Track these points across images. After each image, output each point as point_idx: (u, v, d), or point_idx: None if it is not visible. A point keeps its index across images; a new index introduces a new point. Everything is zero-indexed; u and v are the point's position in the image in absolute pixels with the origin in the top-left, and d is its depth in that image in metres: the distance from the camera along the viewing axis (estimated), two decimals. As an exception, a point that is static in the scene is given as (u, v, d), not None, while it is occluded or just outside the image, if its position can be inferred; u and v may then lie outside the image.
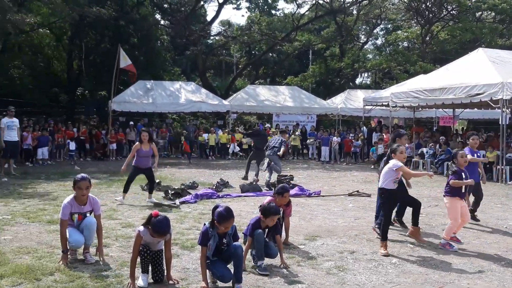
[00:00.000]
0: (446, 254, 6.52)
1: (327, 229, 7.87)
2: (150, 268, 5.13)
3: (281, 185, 6.77)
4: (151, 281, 5.11)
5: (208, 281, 5.02)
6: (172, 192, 10.92)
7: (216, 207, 5.00)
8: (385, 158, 7.64)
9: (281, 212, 6.64)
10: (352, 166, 19.86)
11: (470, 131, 22.28)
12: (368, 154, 21.43)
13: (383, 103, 20.21)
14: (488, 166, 14.87)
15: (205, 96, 25.83)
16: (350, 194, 11.52)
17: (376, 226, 7.53)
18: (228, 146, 23.33)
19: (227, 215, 4.92)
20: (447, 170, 9.39)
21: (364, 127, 25.25)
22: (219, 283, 5.07)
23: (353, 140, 21.80)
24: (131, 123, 23.45)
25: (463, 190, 6.99)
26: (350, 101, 28.11)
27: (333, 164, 20.77)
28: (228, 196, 11.11)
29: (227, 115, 28.72)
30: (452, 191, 6.95)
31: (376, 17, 38.50)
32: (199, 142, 23.43)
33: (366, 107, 21.56)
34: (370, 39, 40.57)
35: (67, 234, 5.69)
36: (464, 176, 6.96)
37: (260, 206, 7.11)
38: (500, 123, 13.88)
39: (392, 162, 6.72)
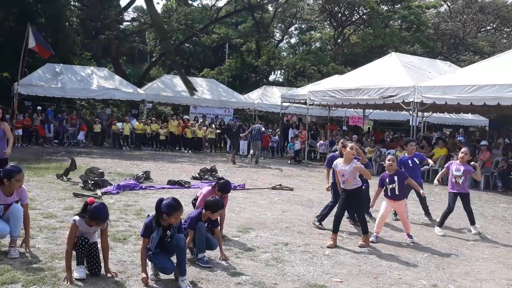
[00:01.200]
0: (374, 247, 6.83)
1: (257, 222, 7.93)
2: (85, 260, 4.85)
3: (224, 180, 6.63)
4: (87, 273, 4.84)
5: (150, 273, 4.86)
6: (92, 182, 10.41)
7: (161, 200, 4.83)
8: (332, 154, 7.92)
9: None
10: (270, 161, 20.18)
11: (385, 131, 23.59)
12: (284, 150, 21.87)
13: (300, 101, 20.71)
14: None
15: (119, 83, 24.97)
16: (273, 188, 11.69)
17: (316, 220, 7.82)
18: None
19: (177, 205, 4.77)
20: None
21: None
22: (162, 275, 4.92)
23: (271, 136, 22.14)
24: (39, 108, 22.01)
25: (389, 193, 7.28)
26: (266, 97, 28.59)
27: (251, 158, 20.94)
28: (152, 188, 10.80)
29: (142, 104, 28.03)
30: (386, 194, 7.32)
31: (292, 16, 39.36)
32: (112, 131, 22.57)
33: (284, 103, 21.98)
34: (286, 37, 41.37)
35: None
36: (387, 181, 7.26)
37: (195, 199, 7.04)
38: (411, 124, 14.78)
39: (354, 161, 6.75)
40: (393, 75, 15.94)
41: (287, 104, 22.29)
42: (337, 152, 8.12)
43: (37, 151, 18.06)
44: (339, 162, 6.88)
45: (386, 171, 7.42)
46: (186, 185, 11.37)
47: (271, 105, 27.78)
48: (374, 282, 5.30)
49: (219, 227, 5.87)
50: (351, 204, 6.90)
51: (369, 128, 30.55)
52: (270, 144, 22.17)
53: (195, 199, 7.06)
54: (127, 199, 9.26)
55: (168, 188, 11.00)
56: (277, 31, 46.86)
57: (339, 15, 37.61)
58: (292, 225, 7.86)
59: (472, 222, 8.13)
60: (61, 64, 24.47)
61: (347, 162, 6.73)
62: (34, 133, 21.38)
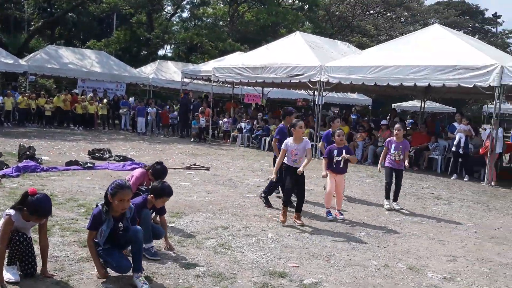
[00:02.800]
0: (310, 226, 6.74)
1: (186, 205, 7.45)
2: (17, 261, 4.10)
3: (161, 166, 5.96)
4: (20, 273, 4.09)
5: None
6: (-15, 163, 9.12)
7: (111, 183, 4.22)
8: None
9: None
10: (171, 139, 19.48)
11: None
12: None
13: (203, 77, 20.16)
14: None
15: (-4, 53, 22.40)
16: (188, 168, 11.20)
17: (262, 195, 7.90)
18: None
19: (123, 184, 4.19)
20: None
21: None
22: (111, 272, 4.32)
23: (169, 112, 21.34)
24: None
25: (334, 166, 7.40)
26: (162, 72, 27.53)
27: (151, 136, 20.06)
28: (54, 170, 9.73)
29: (22, 77, 25.53)
30: (328, 166, 7.42)
31: (185, -11, 38.22)
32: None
33: (185, 79, 21.27)
34: (178, 11, 40.03)
35: None
36: (336, 152, 7.40)
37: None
38: (316, 103, 15.02)
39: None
40: (299, 54, 16.03)
41: (188, 80, 21.59)
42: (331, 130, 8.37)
43: None
44: (290, 142, 6.76)
45: (335, 144, 7.52)
46: (86, 166, 10.41)
47: (167, 80, 26.84)
48: (328, 265, 5.18)
49: (165, 214, 5.32)
50: (298, 182, 6.77)
51: (263, 105, 30.91)
52: (170, 121, 21.41)
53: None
54: (32, 183, 8.22)
55: (73, 169, 10.00)
56: (168, 3, 45.26)
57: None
58: (224, 207, 7.51)
59: (396, 198, 8.46)
60: None
61: (297, 141, 6.71)
62: None
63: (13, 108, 20.44)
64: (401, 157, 8.27)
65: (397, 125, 8.55)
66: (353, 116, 21.37)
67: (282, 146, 6.88)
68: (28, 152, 10.38)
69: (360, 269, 5.12)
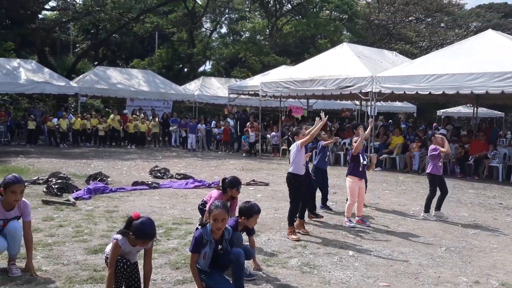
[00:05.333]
0: (387, 241, 6.68)
1: (260, 223, 7.49)
2: (123, 285, 4.23)
3: (232, 176, 6.15)
4: (127, 300, 4.23)
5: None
6: (57, 186, 9.45)
7: (203, 202, 4.33)
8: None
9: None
10: (222, 154, 19.69)
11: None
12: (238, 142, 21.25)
13: (249, 92, 20.33)
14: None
15: (49, 76, 23.28)
16: (248, 184, 11.28)
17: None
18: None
19: (218, 204, 4.31)
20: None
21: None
22: (211, 294, 4.40)
23: (231, 129, 21.40)
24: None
25: (360, 169, 7.68)
26: (206, 88, 27.92)
27: (202, 152, 20.34)
28: (122, 190, 10.01)
29: (73, 98, 26.36)
30: (352, 171, 7.68)
31: (224, 5, 38.74)
32: (46, 128, 20.94)
33: (231, 95, 21.51)
34: (217, 27, 40.66)
35: None
36: (361, 157, 7.70)
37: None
38: (369, 114, 14.91)
39: (294, 144, 6.97)
40: (348, 65, 15.98)
41: (235, 95, 21.83)
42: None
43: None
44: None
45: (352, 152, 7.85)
46: (152, 186, 10.65)
47: (211, 96, 27.18)
48: (419, 283, 5.12)
49: (254, 234, 5.40)
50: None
51: (303, 116, 30.77)
52: (217, 137, 21.57)
53: (203, 204, 6.51)
54: (105, 205, 8.47)
55: (140, 189, 10.25)
56: (206, 20, 45.98)
57: (270, 5, 37.54)
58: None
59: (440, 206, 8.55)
60: (-17, 57, 22.34)
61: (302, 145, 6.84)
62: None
63: (67, 129, 21.11)
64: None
65: (439, 134, 8.92)
66: (402, 125, 21.06)
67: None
68: (98, 177, 10.70)
69: (451, 286, 5.04)
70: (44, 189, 9.40)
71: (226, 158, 17.97)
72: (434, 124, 26.32)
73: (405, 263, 5.77)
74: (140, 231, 4.02)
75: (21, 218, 4.87)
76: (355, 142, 7.90)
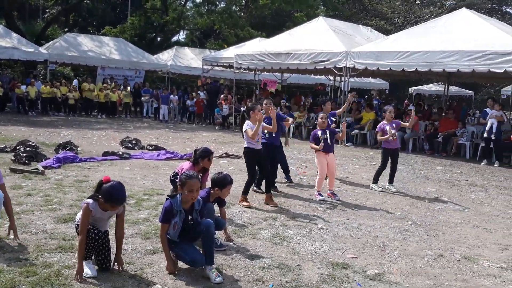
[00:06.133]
0: (356, 214, 6.81)
1: (230, 195, 7.50)
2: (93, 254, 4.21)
3: (204, 148, 6.10)
4: (96, 268, 4.20)
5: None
6: (25, 154, 9.25)
7: (176, 174, 4.32)
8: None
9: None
10: (195, 126, 19.58)
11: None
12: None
13: (224, 64, 20.15)
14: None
15: (17, 41, 22.54)
16: (220, 156, 11.28)
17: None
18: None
19: (190, 174, 4.31)
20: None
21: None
22: (181, 263, 4.42)
23: (203, 101, 21.23)
24: None
25: (323, 143, 7.73)
26: (179, 58, 27.49)
27: (175, 124, 20.18)
28: (92, 160, 9.88)
29: (42, 65, 25.67)
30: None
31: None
32: (15, 95, 20.40)
33: (205, 66, 21.27)
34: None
35: None
36: (320, 133, 7.79)
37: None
38: (343, 89, 15.00)
39: (246, 123, 7.13)
40: (323, 40, 15.95)
41: (209, 67, 21.60)
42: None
43: None
44: (250, 124, 7.05)
45: (318, 128, 7.90)
46: (123, 156, 10.54)
47: (185, 67, 26.80)
48: (385, 255, 5.25)
49: (225, 205, 5.42)
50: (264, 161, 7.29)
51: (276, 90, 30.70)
52: (190, 109, 21.40)
53: (174, 176, 6.46)
54: (75, 174, 8.37)
55: (111, 159, 10.13)
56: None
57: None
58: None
59: (392, 180, 8.81)
60: None
61: (254, 122, 6.95)
62: None
63: (36, 97, 20.60)
64: (396, 135, 8.63)
65: (389, 107, 8.97)
66: (374, 101, 21.27)
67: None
68: (67, 146, 10.52)
69: (416, 259, 5.18)
70: (12, 157, 9.22)
71: (199, 130, 17.89)
72: (405, 101, 26.72)
73: (373, 236, 5.90)
74: (110, 194, 3.99)
75: None
76: (321, 118, 7.91)
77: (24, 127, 15.02)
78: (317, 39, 16.19)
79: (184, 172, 4.40)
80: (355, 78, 28.91)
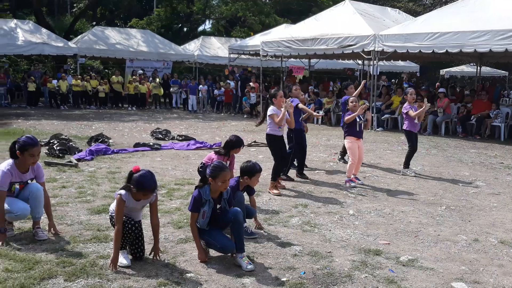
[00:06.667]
0: (387, 200, 6.73)
1: (260, 183, 7.48)
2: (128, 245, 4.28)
3: (234, 136, 6.14)
4: (131, 258, 4.28)
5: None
6: (58, 148, 9.46)
7: (204, 165, 4.35)
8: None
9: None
10: (223, 116, 19.64)
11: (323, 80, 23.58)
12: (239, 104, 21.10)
13: (250, 52, 20.10)
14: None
15: (47, 37, 22.99)
16: (249, 145, 11.30)
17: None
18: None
19: (222, 165, 4.31)
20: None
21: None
22: (212, 252, 4.47)
23: (233, 90, 21.21)
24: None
25: (358, 129, 7.67)
26: (206, 48, 27.56)
27: (203, 114, 20.30)
28: (124, 151, 10.04)
29: (71, 59, 26.10)
30: (350, 132, 7.69)
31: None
32: (46, 89, 20.85)
33: (232, 55, 21.26)
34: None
35: (7, 205, 4.51)
36: (357, 118, 7.62)
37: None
38: (372, 73, 14.78)
39: (270, 108, 7.06)
40: (351, 23, 15.72)
41: (235, 55, 21.59)
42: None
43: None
44: (275, 109, 7.01)
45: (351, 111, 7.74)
46: (154, 147, 10.66)
47: (212, 56, 26.86)
48: (418, 241, 5.17)
49: (255, 193, 5.43)
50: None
51: (304, 76, 30.46)
52: (218, 98, 21.45)
53: (202, 167, 6.51)
54: (107, 166, 8.51)
55: (142, 150, 10.27)
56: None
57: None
58: (297, 184, 7.62)
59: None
60: (-21, 18, 22.00)
61: (279, 107, 6.96)
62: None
63: (67, 91, 21.00)
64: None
65: (411, 89, 8.75)
66: (405, 85, 20.87)
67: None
68: (99, 138, 10.71)
69: (451, 244, 5.09)
70: (46, 151, 9.42)
71: (227, 119, 17.94)
72: (437, 84, 26.16)
73: (405, 222, 5.82)
74: (140, 183, 4.05)
75: (34, 180, 4.87)
76: (351, 102, 7.81)
77: (57, 121, 15.35)
78: (344, 23, 15.96)
79: (214, 163, 4.41)
80: (384, 61, 28.66)
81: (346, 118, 7.75)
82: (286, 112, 6.89)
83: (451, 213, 6.27)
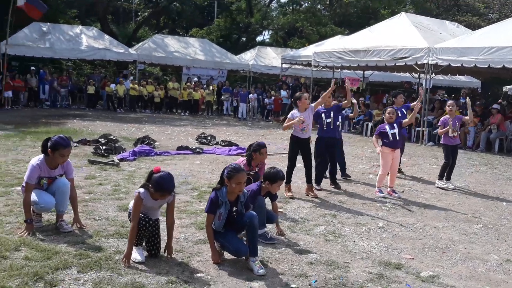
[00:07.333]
0: (422, 215, 6.50)
1: (293, 191, 7.48)
2: (144, 241, 4.38)
3: (257, 142, 6.18)
4: (146, 254, 4.36)
5: (214, 252, 4.43)
6: (104, 147, 9.82)
7: (226, 167, 4.37)
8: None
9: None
10: (271, 124, 19.70)
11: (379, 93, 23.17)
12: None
13: (302, 62, 20.07)
14: (407, 127, 15.52)
15: (109, 43, 23.99)
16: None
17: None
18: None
19: (238, 167, 4.33)
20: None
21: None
22: (228, 255, 4.48)
23: (282, 99, 21.34)
24: (33, 68, 20.91)
25: (391, 138, 7.47)
26: (261, 58, 27.80)
27: (252, 122, 20.46)
28: (167, 154, 10.27)
29: (132, 65, 27.03)
30: (384, 142, 7.52)
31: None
32: (105, 93, 21.72)
33: (284, 65, 21.31)
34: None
35: (34, 197, 4.72)
36: (388, 127, 7.52)
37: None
38: (424, 86, 14.36)
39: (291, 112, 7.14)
40: (405, 35, 15.40)
41: (287, 65, 21.61)
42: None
43: (32, 114, 17.25)
44: (295, 112, 7.06)
45: (386, 123, 7.64)
46: (196, 151, 10.82)
47: (266, 66, 27.05)
48: (445, 257, 4.95)
49: (277, 199, 5.41)
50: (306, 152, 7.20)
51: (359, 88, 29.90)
52: (268, 107, 21.54)
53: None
54: (147, 166, 8.73)
55: (184, 153, 10.47)
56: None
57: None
58: (330, 194, 7.51)
59: (449, 177, 8.57)
60: (48, 23, 23.25)
61: (303, 110, 7.02)
62: (28, 95, 20.36)
63: (124, 95, 21.78)
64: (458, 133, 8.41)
65: (450, 101, 8.69)
66: (462, 100, 20.12)
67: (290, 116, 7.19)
68: (145, 140, 11.02)
69: (479, 263, 4.84)
70: (93, 150, 9.81)
71: (274, 127, 17.97)
72: (499, 100, 24.99)
73: (436, 238, 5.59)
74: (159, 184, 4.13)
75: (63, 176, 5.08)
76: (388, 113, 7.61)
77: (110, 123, 15.94)
78: (398, 35, 15.67)
79: (232, 165, 4.44)
80: (444, 76, 27.83)
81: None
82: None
83: (487, 232, 5.97)
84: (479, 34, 14.37)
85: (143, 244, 4.37)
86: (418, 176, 9.48)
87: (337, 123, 8.04)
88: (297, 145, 7.21)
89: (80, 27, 25.07)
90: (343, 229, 5.70)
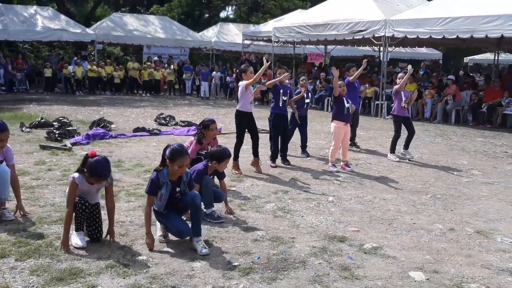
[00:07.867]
0: (374, 188, 6.60)
1: (247, 169, 7.48)
2: (84, 225, 4.30)
3: (207, 118, 6.16)
4: (87, 239, 4.30)
5: (159, 233, 4.40)
6: (58, 132, 9.59)
7: (167, 146, 4.28)
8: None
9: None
10: (235, 103, 19.58)
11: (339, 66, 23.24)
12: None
13: (263, 38, 19.93)
14: (367, 101, 15.67)
15: (66, 23, 23.25)
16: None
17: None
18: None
19: (181, 149, 4.22)
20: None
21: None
22: (171, 236, 4.45)
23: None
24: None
25: (345, 112, 7.55)
26: (223, 35, 27.46)
27: (215, 101, 20.31)
28: (122, 136, 10.11)
29: (91, 45, 26.35)
30: (337, 116, 7.58)
31: None
32: (63, 75, 21.12)
33: (246, 41, 21.13)
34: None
35: None
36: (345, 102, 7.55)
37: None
38: (381, 59, 14.48)
39: (240, 83, 7.21)
40: (362, 8, 15.42)
41: (249, 42, 21.44)
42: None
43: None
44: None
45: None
46: (153, 132, 10.69)
47: (229, 43, 26.74)
48: (391, 229, 5.06)
49: (224, 178, 5.38)
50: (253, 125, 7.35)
51: (324, 64, 30.08)
52: (230, 85, 21.40)
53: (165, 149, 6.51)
54: (101, 150, 8.56)
55: (140, 135, 10.33)
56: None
57: None
58: (284, 171, 7.53)
59: (407, 146, 8.68)
60: (1, 4, 22.35)
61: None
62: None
63: (83, 77, 21.25)
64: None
65: (400, 74, 8.85)
66: (421, 72, 20.41)
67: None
68: (101, 123, 10.80)
69: (424, 233, 4.96)
70: (46, 135, 9.56)
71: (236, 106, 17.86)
72: (460, 72, 25.43)
73: (384, 210, 5.70)
74: (93, 169, 4.05)
75: (3, 162, 4.92)
76: (340, 87, 7.59)
77: (67, 106, 15.57)
78: (356, 8, 15.67)
79: (174, 146, 4.32)
80: (405, 49, 28.08)
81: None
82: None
83: (435, 202, 6.11)
84: (435, 4, 14.50)
85: (84, 229, 4.29)
86: (373, 149, 9.60)
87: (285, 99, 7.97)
88: (245, 119, 7.23)
89: (35, 7, 24.19)
90: (293, 204, 5.74)
